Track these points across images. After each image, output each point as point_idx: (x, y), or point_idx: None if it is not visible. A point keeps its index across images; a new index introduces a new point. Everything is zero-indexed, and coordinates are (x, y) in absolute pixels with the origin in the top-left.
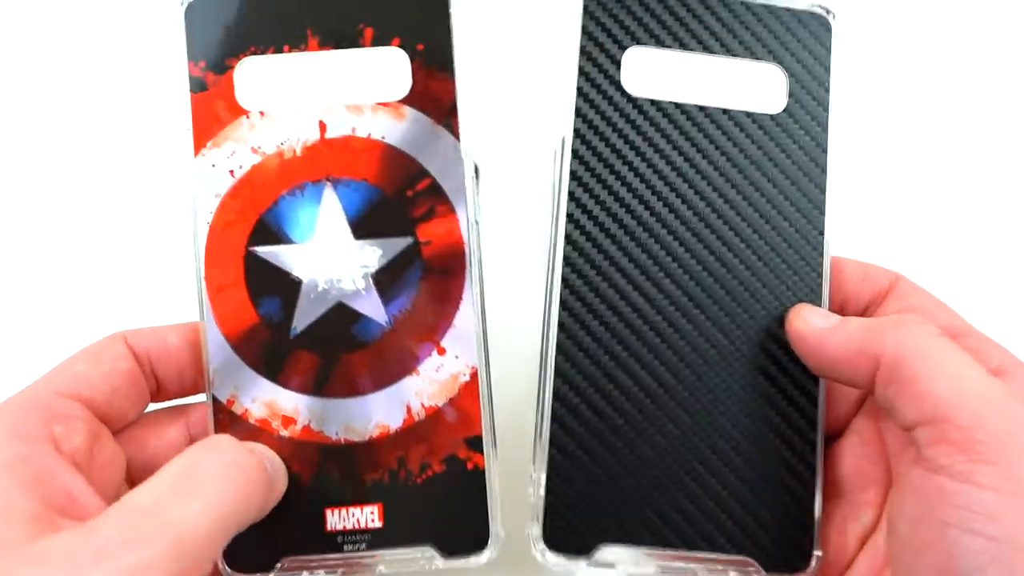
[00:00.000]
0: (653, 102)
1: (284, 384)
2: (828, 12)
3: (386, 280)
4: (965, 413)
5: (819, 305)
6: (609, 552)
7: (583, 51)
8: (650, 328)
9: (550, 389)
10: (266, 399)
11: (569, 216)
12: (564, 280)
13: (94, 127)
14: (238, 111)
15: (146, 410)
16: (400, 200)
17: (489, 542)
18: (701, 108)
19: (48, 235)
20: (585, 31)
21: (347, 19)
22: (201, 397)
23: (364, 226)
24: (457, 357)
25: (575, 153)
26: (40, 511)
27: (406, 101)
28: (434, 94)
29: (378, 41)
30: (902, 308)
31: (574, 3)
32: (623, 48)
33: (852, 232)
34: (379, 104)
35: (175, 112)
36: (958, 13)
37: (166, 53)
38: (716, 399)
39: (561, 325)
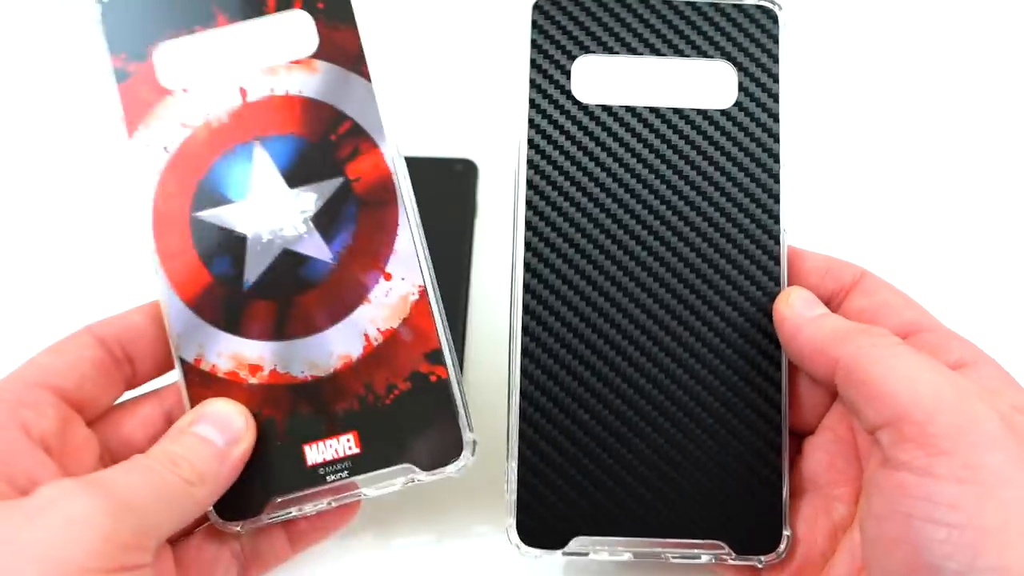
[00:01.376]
0: (604, 107)
1: (245, 335)
2: (775, 4)
3: (325, 221)
4: (918, 410)
5: (777, 293)
6: (583, 543)
7: (533, 64)
8: (612, 324)
9: (517, 386)
10: (231, 352)
11: (527, 223)
12: (525, 286)
13: (26, 129)
14: (162, 92)
15: (126, 397)
16: (325, 145)
17: (463, 448)
18: (653, 109)
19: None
20: (534, 44)
21: None
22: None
23: (296, 175)
24: (403, 279)
25: (530, 163)
26: (3, 490)
27: (316, 56)
28: (341, 45)
29: (281, 6)
30: (866, 304)
31: (523, 18)
32: (572, 58)
33: (818, 227)
34: (292, 63)
35: (105, 102)
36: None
37: (88, 50)
38: (680, 388)
39: (524, 329)
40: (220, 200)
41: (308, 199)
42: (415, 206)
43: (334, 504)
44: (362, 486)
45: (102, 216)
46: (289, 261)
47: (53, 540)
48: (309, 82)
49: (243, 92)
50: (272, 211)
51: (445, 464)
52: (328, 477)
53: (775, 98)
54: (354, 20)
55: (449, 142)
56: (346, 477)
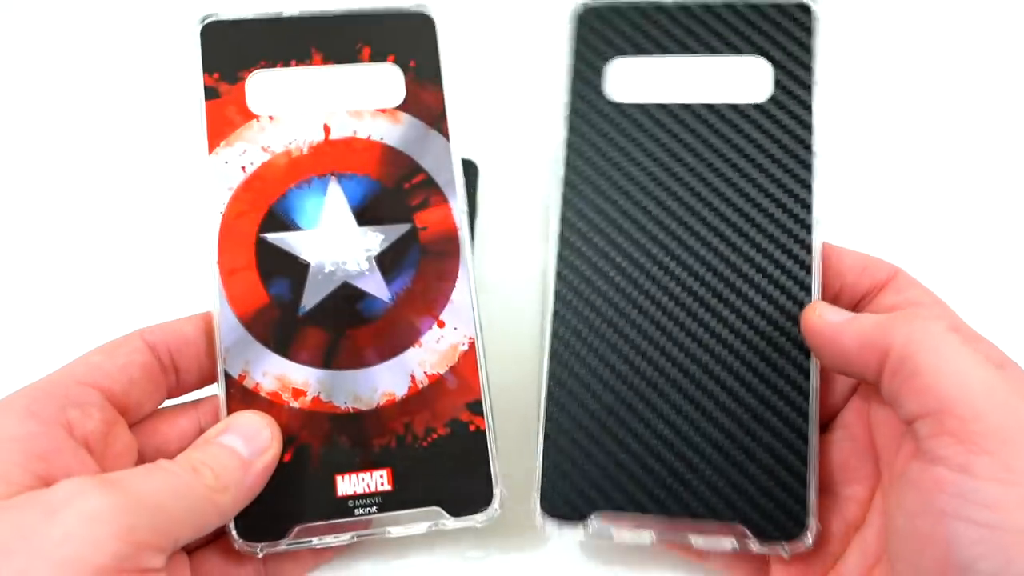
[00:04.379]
0: (638, 106)
1: (294, 358)
2: (811, 0)
3: (388, 261)
4: (965, 406)
5: (809, 285)
6: (605, 519)
7: (571, 68)
8: (642, 310)
9: (546, 367)
10: (277, 373)
11: (564, 219)
12: (559, 275)
13: (115, 134)
14: (249, 116)
15: (165, 405)
16: (398, 192)
17: (493, 500)
18: (686, 106)
19: (68, 235)
20: (573, 49)
21: (347, 38)
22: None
23: (366, 214)
24: (456, 329)
25: (567, 161)
26: (35, 486)
27: (401, 108)
28: (425, 102)
29: (375, 58)
30: (898, 301)
31: (562, 23)
32: (606, 60)
33: (853, 223)
34: (377, 111)
35: (191, 116)
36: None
37: (184, 65)
38: (710, 374)
39: (556, 313)
40: (290, 225)
41: (374, 239)
42: (473, 263)
43: (356, 539)
44: (388, 524)
45: (167, 222)
46: (347, 294)
47: (69, 538)
48: (391, 131)
49: (327, 129)
50: (338, 244)
51: (473, 512)
52: (356, 510)
53: (810, 91)
54: (441, 82)
55: None
56: (374, 512)
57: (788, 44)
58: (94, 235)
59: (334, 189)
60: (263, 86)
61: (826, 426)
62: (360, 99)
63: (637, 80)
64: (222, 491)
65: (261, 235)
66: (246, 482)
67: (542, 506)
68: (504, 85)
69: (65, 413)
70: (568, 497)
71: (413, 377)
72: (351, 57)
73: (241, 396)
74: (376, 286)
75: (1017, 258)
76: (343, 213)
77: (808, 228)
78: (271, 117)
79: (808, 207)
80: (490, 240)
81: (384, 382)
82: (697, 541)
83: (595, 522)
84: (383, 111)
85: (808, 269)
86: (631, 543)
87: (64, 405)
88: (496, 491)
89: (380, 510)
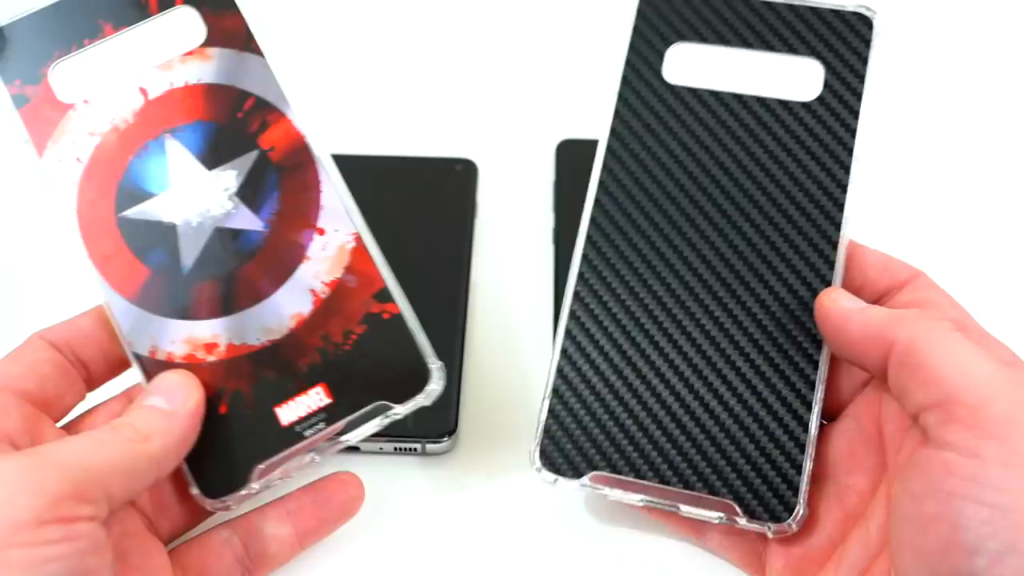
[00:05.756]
0: (691, 90)
1: (194, 317)
2: (871, 11)
3: (249, 193)
4: (972, 394)
5: (830, 280)
6: (600, 479)
7: (631, 47)
8: (663, 284)
9: (564, 323)
10: (183, 337)
11: (601, 184)
12: (588, 238)
13: None
14: (64, 108)
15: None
16: (234, 124)
17: (431, 376)
18: (737, 96)
19: None
20: (636, 29)
21: None
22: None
23: (212, 157)
24: (337, 231)
25: (612, 131)
26: None
27: (207, 44)
28: (229, 30)
29: (163, 6)
30: (914, 299)
31: (630, 4)
32: (668, 43)
33: (885, 226)
34: (185, 55)
35: (10, 130)
36: (997, 18)
37: None
38: (722, 353)
39: (580, 276)
40: (142, 196)
41: (228, 177)
42: (332, 162)
43: (318, 459)
44: (342, 433)
45: (31, 233)
46: (223, 238)
47: None
48: (205, 69)
49: (143, 91)
50: (196, 195)
51: (416, 393)
52: (306, 432)
53: (858, 96)
54: (236, 5)
55: (449, 142)
56: (324, 428)
57: (842, 50)
58: None
59: (172, 145)
60: (67, 75)
61: (836, 414)
62: (164, 51)
63: (694, 66)
64: (144, 440)
65: (119, 215)
66: (174, 429)
67: (540, 458)
68: (504, 85)
69: None
70: (567, 452)
71: (313, 291)
72: (140, 15)
73: (159, 370)
74: (247, 220)
75: None
76: (189, 164)
77: (837, 225)
78: (86, 101)
79: (840, 205)
80: (490, 239)
81: (288, 306)
82: (686, 510)
83: (589, 480)
84: (190, 54)
85: (831, 264)
86: (621, 501)
87: None
88: (432, 366)
89: (328, 423)
